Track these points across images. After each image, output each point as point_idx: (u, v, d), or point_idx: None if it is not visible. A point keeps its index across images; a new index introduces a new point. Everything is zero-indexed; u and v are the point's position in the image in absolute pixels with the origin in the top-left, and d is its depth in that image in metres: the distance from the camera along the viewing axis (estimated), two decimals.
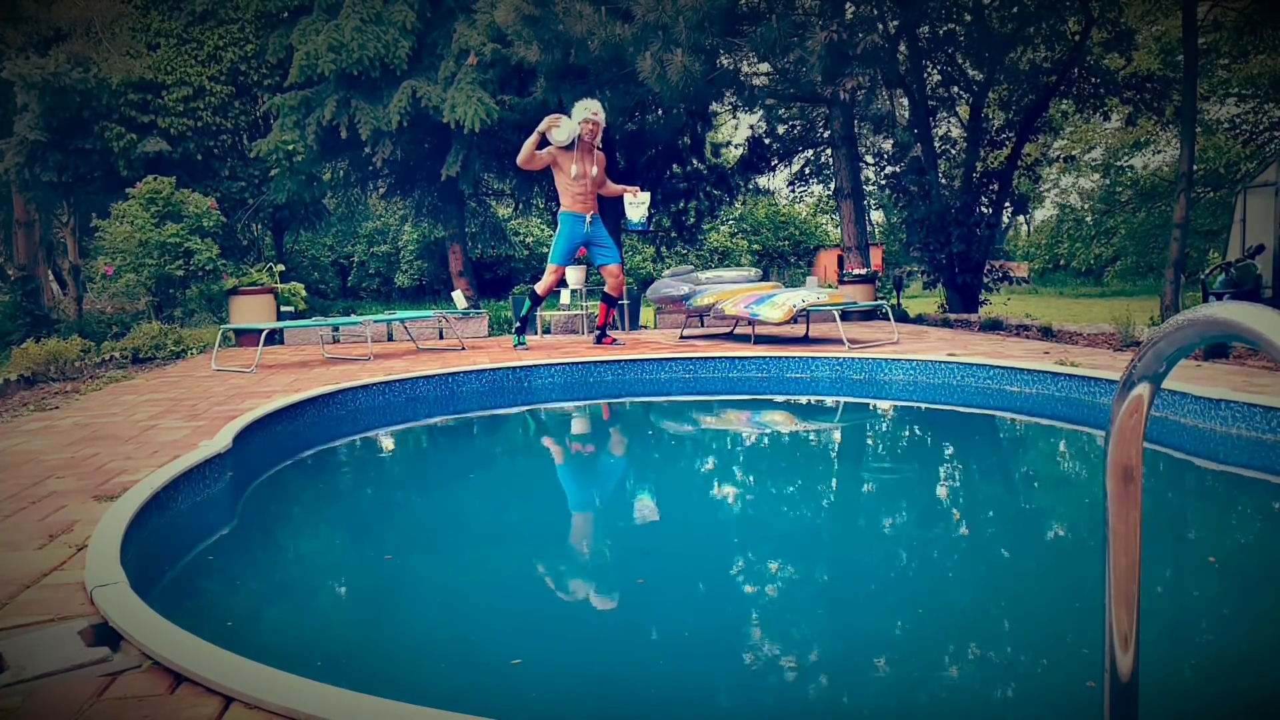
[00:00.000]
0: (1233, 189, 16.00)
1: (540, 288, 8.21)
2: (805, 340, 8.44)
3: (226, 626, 2.14)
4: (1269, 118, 21.87)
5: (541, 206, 22.25)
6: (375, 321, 9.05)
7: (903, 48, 12.07)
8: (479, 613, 2.32)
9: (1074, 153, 25.16)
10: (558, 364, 6.62)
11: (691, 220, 18.85)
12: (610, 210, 16.51)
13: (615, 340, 8.61)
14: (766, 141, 17.84)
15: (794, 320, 8.23)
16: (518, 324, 8.53)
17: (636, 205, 7.94)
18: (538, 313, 10.79)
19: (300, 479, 4.02)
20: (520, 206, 22.27)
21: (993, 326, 9.21)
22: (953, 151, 15.08)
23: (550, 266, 8.12)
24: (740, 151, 20.15)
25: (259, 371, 7.01)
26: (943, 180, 13.13)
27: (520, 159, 7.71)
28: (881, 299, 12.09)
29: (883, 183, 18.35)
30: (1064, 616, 2.19)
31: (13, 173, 14.37)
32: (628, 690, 1.82)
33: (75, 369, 7.22)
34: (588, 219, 7.98)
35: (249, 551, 2.83)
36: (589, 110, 7.53)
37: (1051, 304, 19.76)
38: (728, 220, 27.76)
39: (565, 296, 10.73)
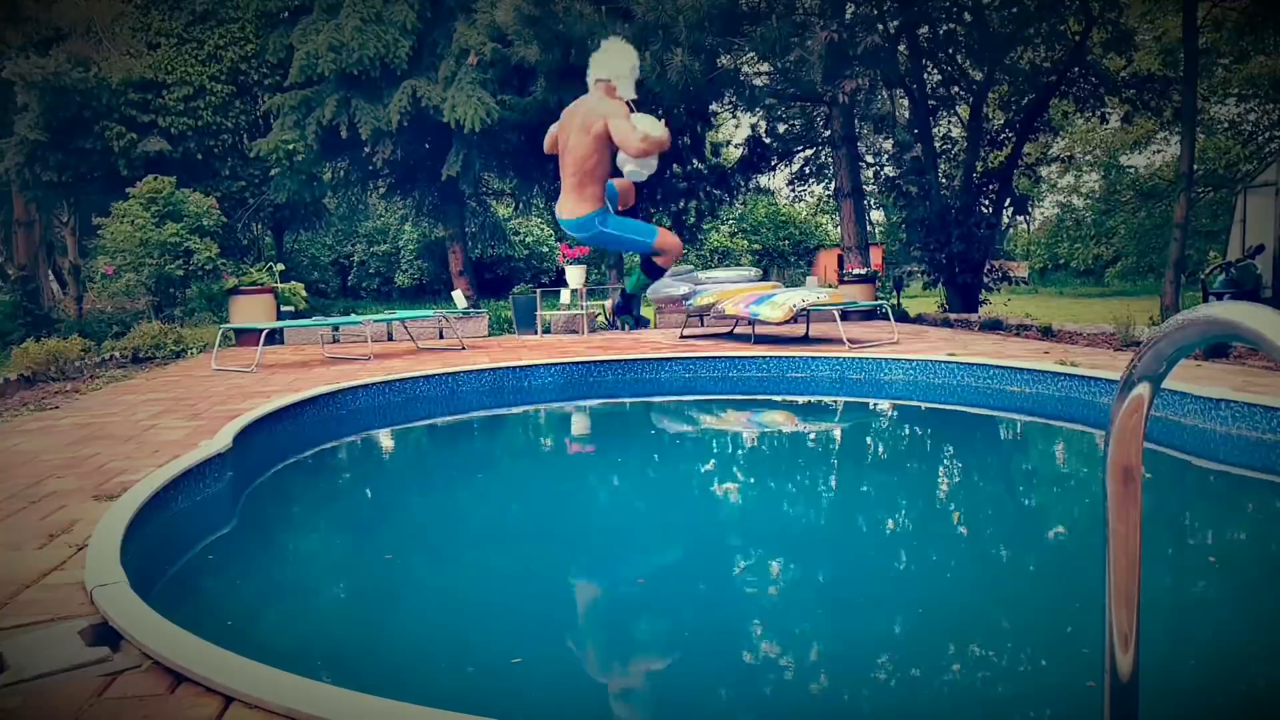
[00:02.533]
0: (1233, 189, 16.00)
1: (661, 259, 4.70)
2: (805, 340, 8.44)
3: (226, 626, 2.14)
4: (1269, 118, 21.86)
5: (541, 206, 22.23)
6: (375, 321, 9.05)
7: (903, 48, 12.07)
8: (477, 612, 2.32)
9: (1074, 152, 25.15)
10: (557, 364, 6.62)
11: (691, 220, 18.85)
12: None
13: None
14: (766, 141, 17.84)
15: (794, 320, 8.23)
16: (624, 307, 5.20)
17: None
18: (538, 313, 10.79)
19: (300, 478, 4.02)
20: (520, 206, 22.26)
21: (993, 326, 9.21)
22: (953, 151, 15.08)
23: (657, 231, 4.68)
24: (740, 151, 20.14)
25: (259, 371, 7.01)
26: (943, 180, 13.13)
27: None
28: (881, 299, 12.10)
29: (883, 182, 18.34)
30: (1065, 615, 2.18)
31: (13, 172, 14.36)
32: (625, 687, 1.82)
33: (75, 369, 7.22)
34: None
35: (249, 551, 2.83)
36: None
37: (1051, 304, 19.75)
38: (728, 220, 27.74)
39: (565, 296, 10.73)
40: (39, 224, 17.29)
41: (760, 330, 9.22)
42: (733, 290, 8.96)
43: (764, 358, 6.68)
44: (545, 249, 25.28)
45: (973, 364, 5.80)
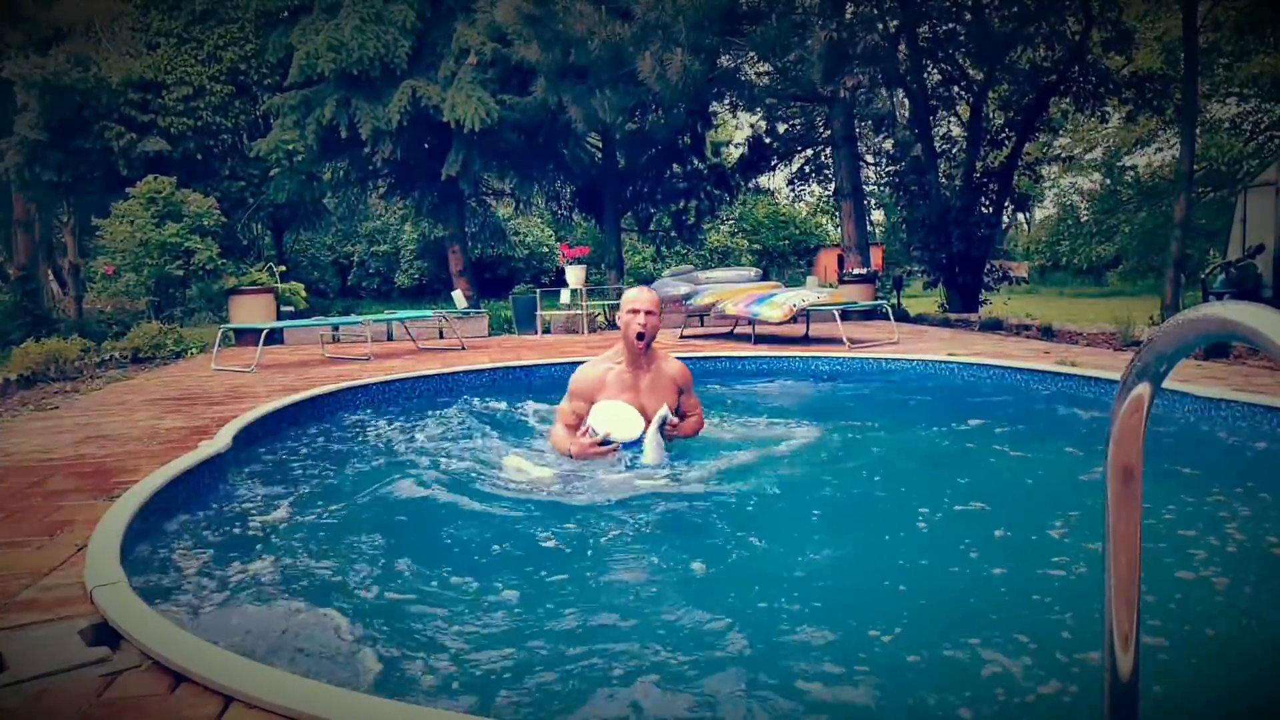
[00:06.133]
0: (1234, 189, 16.01)
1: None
2: (805, 340, 8.44)
3: (227, 626, 2.14)
4: (1269, 117, 21.86)
5: (541, 206, 22.23)
6: (375, 321, 9.06)
7: (903, 47, 12.07)
8: (481, 616, 2.32)
9: (1074, 152, 25.16)
10: (558, 363, 6.62)
11: (691, 220, 18.87)
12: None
13: None
14: (767, 141, 17.85)
15: (794, 320, 8.24)
16: None
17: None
18: (538, 313, 10.79)
19: (300, 478, 4.01)
20: (520, 206, 22.27)
21: (993, 326, 9.21)
22: (953, 151, 15.08)
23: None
24: (740, 151, 20.15)
25: (259, 371, 7.01)
26: (943, 180, 13.13)
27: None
28: (881, 299, 12.10)
29: (883, 182, 18.36)
30: (1066, 613, 2.19)
31: (13, 172, 14.37)
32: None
33: (75, 369, 7.22)
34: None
35: (249, 550, 2.83)
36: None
37: (1051, 304, 19.75)
38: (728, 220, 27.76)
39: (565, 296, 10.73)
40: (39, 224, 17.30)
41: (760, 330, 9.22)
42: (733, 290, 8.96)
43: (764, 357, 6.68)
44: (545, 249, 25.27)
45: (972, 364, 5.80)
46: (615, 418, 3.49)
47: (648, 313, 3.60)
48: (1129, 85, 13.11)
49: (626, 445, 3.48)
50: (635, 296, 3.66)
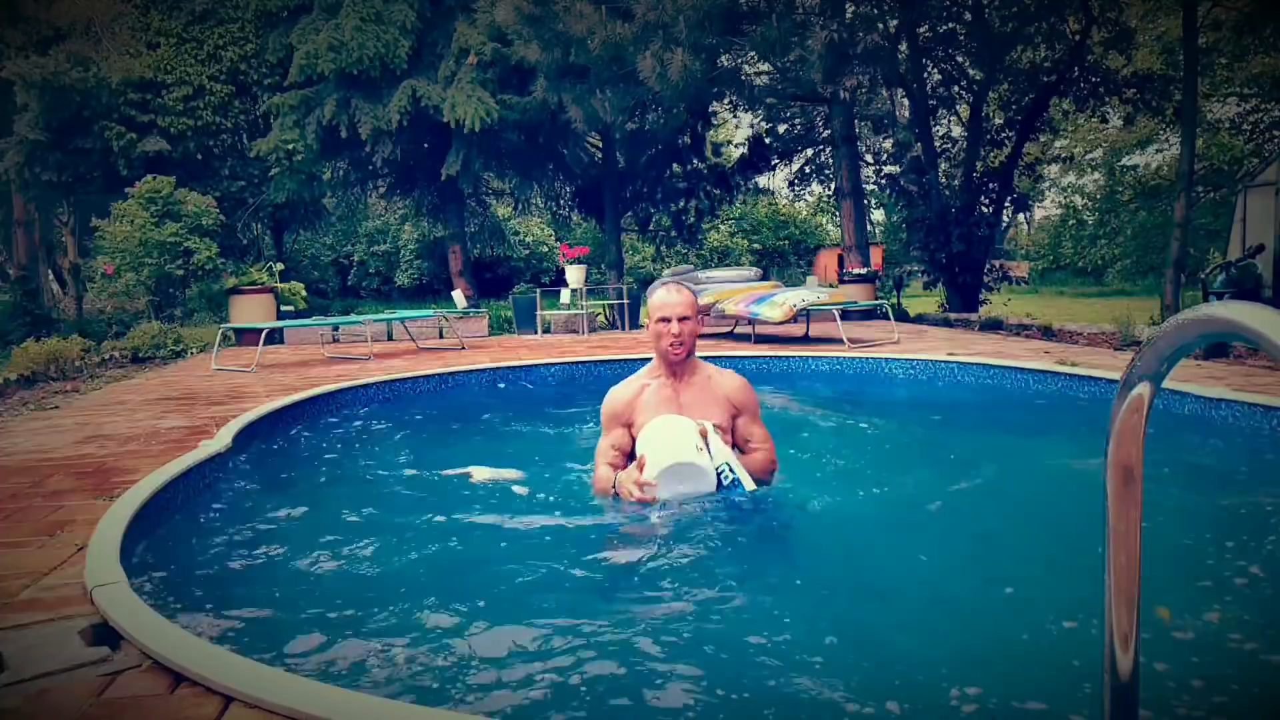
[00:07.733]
0: (1234, 189, 16.00)
1: None
2: (805, 340, 8.44)
3: (227, 626, 2.14)
4: (1269, 117, 21.86)
5: (541, 206, 22.24)
6: (375, 321, 9.05)
7: (903, 47, 12.07)
8: (481, 613, 2.32)
9: (1074, 152, 25.16)
10: (558, 363, 6.62)
11: (691, 219, 18.87)
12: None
13: None
14: (767, 141, 17.86)
15: (794, 320, 8.24)
16: None
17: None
18: (538, 312, 10.78)
19: (300, 478, 4.01)
20: (520, 206, 22.28)
21: (993, 326, 9.21)
22: (953, 151, 15.08)
23: None
24: (740, 151, 20.17)
25: (259, 371, 7.01)
26: (943, 180, 13.13)
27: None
28: (881, 299, 12.10)
29: (883, 182, 18.36)
30: (1064, 614, 2.18)
31: (13, 172, 14.37)
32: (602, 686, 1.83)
33: (75, 368, 7.22)
34: None
35: (249, 550, 2.83)
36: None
37: (1052, 303, 19.73)
38: (728, 220, 27.76)
39: (565, 296, 10.73)
40: (39, 224, 17.30)
41: (760, 330, 9.22)
42: (733, 290, 8.96)
43: (764, 357, 6.68)
44: (545, 249, 25.28)
45: (972, 364, 5.80)
46: (661, 438, 2.83)
47: (681, 319, 2.94)
48: (1129, 85, 13.10)
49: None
50: (664, 300, 2.98)
